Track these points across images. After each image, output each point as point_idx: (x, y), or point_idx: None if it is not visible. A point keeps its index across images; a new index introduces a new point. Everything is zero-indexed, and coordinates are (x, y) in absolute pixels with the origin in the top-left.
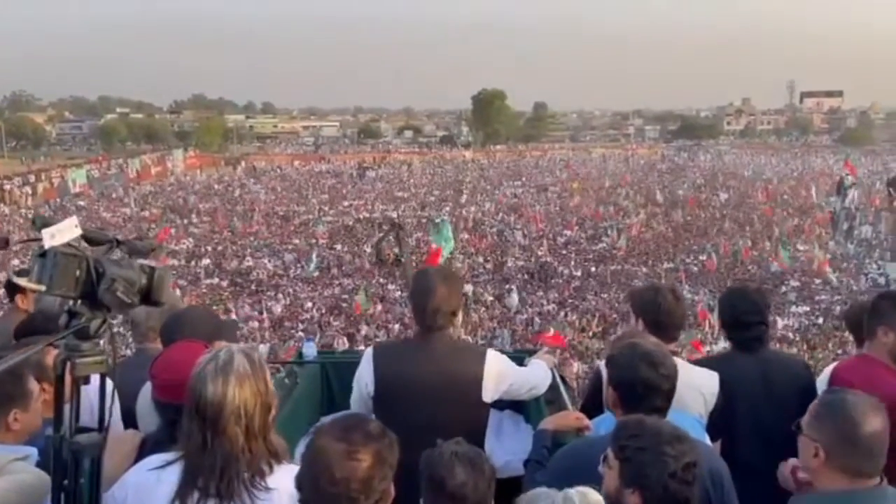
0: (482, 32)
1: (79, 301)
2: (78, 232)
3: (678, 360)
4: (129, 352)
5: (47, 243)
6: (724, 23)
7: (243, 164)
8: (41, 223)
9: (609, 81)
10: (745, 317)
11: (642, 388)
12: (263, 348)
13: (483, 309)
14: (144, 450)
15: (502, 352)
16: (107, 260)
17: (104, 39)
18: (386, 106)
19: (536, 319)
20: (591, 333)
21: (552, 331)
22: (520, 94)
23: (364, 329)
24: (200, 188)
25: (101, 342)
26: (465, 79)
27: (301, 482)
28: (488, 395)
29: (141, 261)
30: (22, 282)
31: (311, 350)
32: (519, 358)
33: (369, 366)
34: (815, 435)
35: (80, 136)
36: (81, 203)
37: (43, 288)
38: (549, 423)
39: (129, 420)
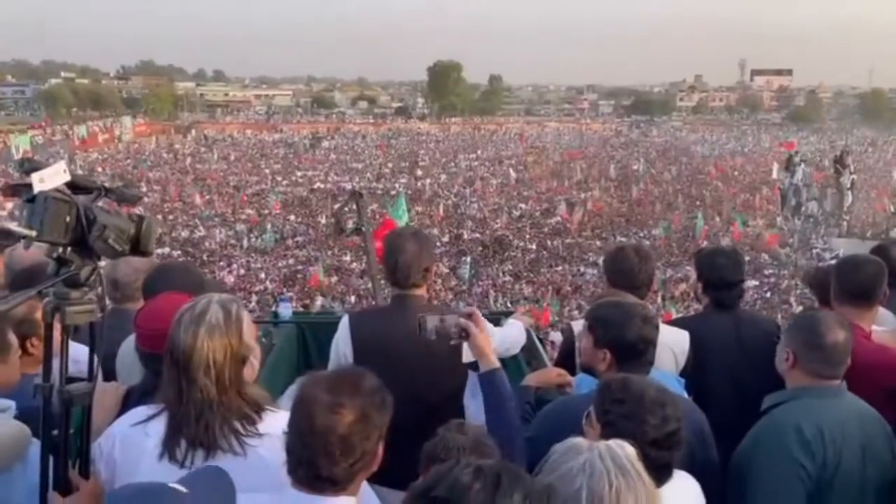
0: (439, 3)
1: (68, 248)
2: (66, 177)
3: None
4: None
5: (37, 188)
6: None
7: (194, 132)
8: (29, 167)
9: (563, 56)
10: (729, 276)
11: (643, 345)
12: None
13: (439, 281)
14: (130, 401)
15: None
16: (96, 207)
17: (46, 1)
18: (340, 76)
19: (491, 292)
20: (545, 305)
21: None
22: (475, 66)
23: (319, 300)
24: (150, 156)
25: (92, 290)
26: (421, 50)
27: (288, 426)
28: (467, 357)
29: (130, 210)
30: (12, 226)
31: (286, 310)
32: (494, 320)
33: (346, 334)
34: (787, 343)
35: (23, 100)
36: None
37: (34, 234)
38: (532, 379)
39: (108, 379)
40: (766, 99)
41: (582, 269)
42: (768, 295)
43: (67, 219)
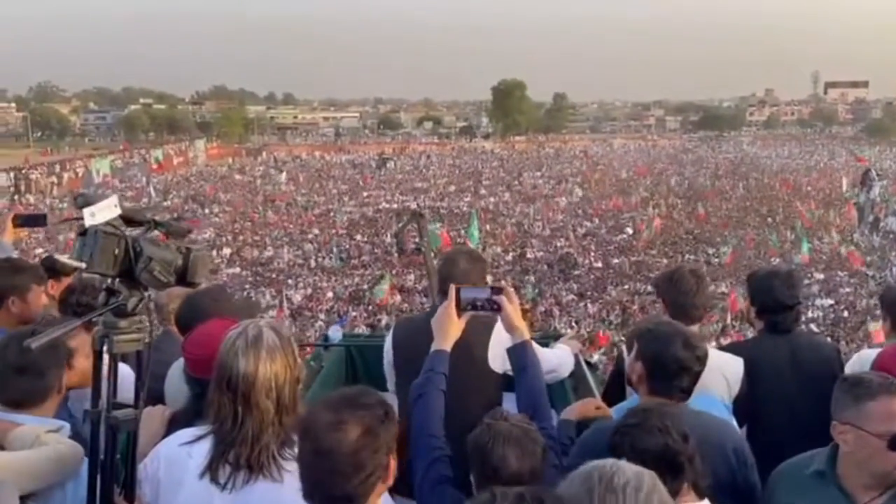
0: (502, 23)
1: (117, 279)
2: (117, 212)
3: None
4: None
5: (88, 222)
6: (746, 11)
7: (264, 154)
8: (83, 202)
9: (629, 72)
10: (784, 298)
11: (676, 367)
12: None
13: None
14: (175, 425)
15: None
16: (144, 240)
17: (128, 31)
18: (406, 97)
19: (556, 311)
20: (611, 324)
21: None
22: (539, 84)
23: (384, 319)
24: (221, 178)
25: (139, 320)
26: (486, 70)
27: (298, 453)
28: (497, 363)
29: (178, 243)
30: (63, 258)
31: (336, 334)
32: (544, 342)
33: (390, 338)
34: None
35: (104, 126)
36: (107, 193)
37: (83, 265)
38: (572, 412)
39: (155, 401)
40: (841, 112)
41: (649, 287)
42: (845, 314)
43: (116, 251)
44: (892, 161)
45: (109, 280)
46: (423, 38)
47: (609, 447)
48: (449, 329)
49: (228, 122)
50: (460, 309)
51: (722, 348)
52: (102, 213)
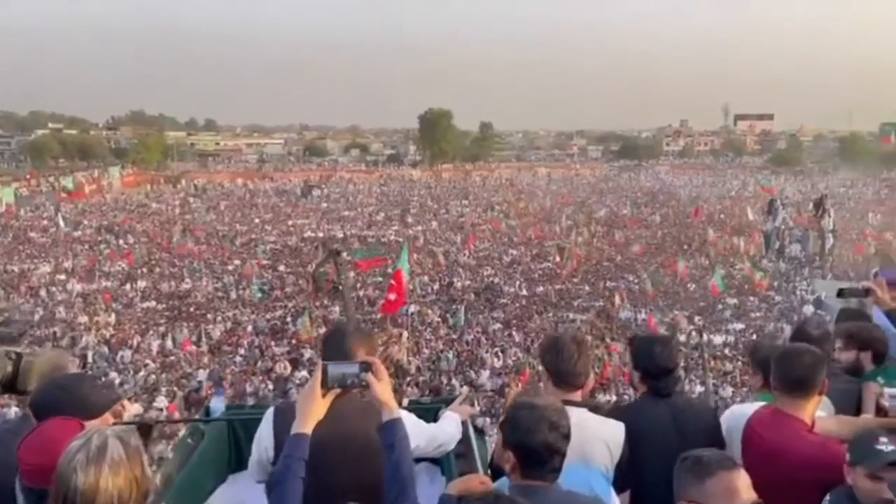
0: (429, 52)
1: None
2: None
3: (582, 412)
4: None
5: None
6: (661, 47)
7: (184, 181)
8: None
9: (553, 102)
10: (665, 363)
11: (547, 453)
12: (203, 374)
13: (429, 330)
14: None
15: (417, 403)
16: None
17: (35, 52)
18: (332, 123)
19: (483, 340)
20: (536, 353)
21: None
22: (466, 113)
23: (308, 353)
24: (137, 207)
25: None
26: (412, 98)
27: None
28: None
29: (7, 348)
30: None
31: (218, 405)
32: (435, 408)
33: (269, 429)
34: None
35: (9, 152)
36: (12, 222)
37: None
38: (454, 487)
39: (9, 496)
40: (749, 143)
41: (571, 315)
42: (754, 338)
43: None
44: (796, 190)
45: None
46: (350, 64)
47: None
48: (312, 410)
49: (146, 149)
50: (326, 386)
51: (605, 412)
52: None
